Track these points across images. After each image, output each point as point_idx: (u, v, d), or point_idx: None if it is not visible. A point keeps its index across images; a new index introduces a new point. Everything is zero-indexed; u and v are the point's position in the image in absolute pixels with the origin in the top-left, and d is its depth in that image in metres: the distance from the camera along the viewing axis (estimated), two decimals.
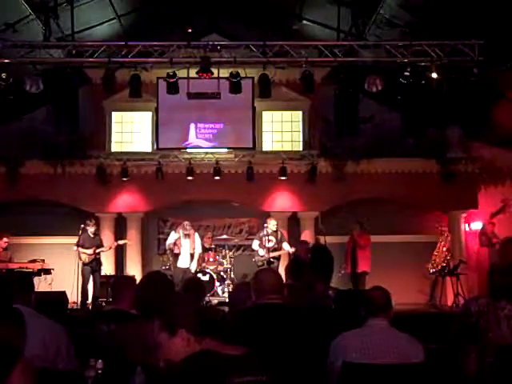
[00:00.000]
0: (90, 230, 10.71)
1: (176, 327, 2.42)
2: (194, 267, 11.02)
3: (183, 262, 10.97)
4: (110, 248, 11.31)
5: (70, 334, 3.76)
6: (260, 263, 10.60)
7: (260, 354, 2.49)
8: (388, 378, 3.43)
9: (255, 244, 10.79)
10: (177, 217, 11.45)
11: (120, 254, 12.23)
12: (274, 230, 10.64)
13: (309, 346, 3.45)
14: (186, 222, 11.07)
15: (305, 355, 3.39)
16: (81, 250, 10.57)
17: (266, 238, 10.47)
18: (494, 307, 3.83)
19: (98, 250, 10.71)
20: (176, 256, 11.05)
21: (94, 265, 10.71)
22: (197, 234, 11.26)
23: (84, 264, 10.58)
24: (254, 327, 3.43)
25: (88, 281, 10.65)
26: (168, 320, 2.44)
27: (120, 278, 7.32)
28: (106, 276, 10.82)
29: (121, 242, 11.56)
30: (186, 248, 10.95)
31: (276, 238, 10.60)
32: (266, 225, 10.67)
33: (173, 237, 11.07)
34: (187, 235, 10.94)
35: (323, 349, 3.58)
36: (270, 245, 10.48)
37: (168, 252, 11.38)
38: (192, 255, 11.02)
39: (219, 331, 2.64)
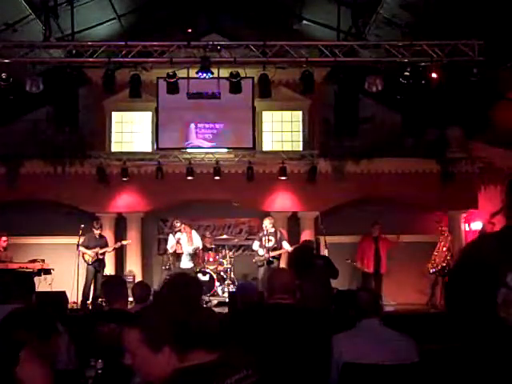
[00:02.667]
0: (96, 231, 10.79)
1: (161, 344, 2.19)
2: (191, 248, 10.97)
3: (185, 263, 10.97)
4: (114, 249, 11.38)
5: (69, 334, 3.76)
6: (260, 263, 10.62)
7: (246, 351, 2.44)
8: (384, 377, 3.43)
9: (255, 245, 10.82)
10: (177, 217, 11.43)
11: (120, 254, 12.23)
12: (272, 228, 10.63)
13: (315, 346, 3.45)
14: (175, 220, 11.09)
15: (310, 355, 3.40)
16: (84, 250, 10.63)
17: (266, 237, 10.49)
18: None
19: (101, 251, 10.77)
20: (177, 256, 11.05)
21: (97, 265, 10.77)
22: (194, 231, 11.24)
23: (87, 264, 10.67)
24: (262, 326, 3.44)
25: (91, 281, 10.71)
26: (153, 335, 2.21)
27: (109, 278, 7.32)
28: (106, 276, 10.83)
29: (124, 242, 11.61)
30: (186, 246, 10.96)
31: (275, 238, 10.61)
32: (263, 225, 10.71)
33: (172, 238, 11.08)
34: (178, 231, 10.93)
35: (327, 349, 3.59)
36: (270, 244, 10.50)
37: (169, 253, 11.37)
38: (191, 253, 11.04)
39: (224, 332, 2.54)
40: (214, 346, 2.28)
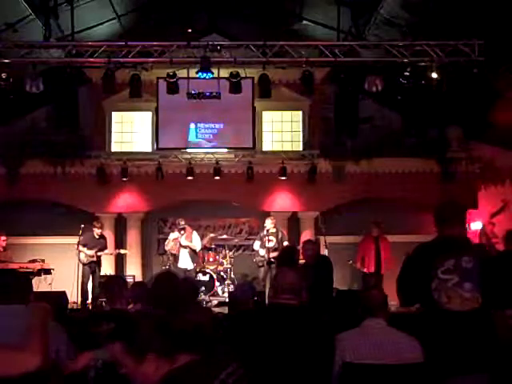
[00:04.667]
0: (97, 231, 10.77)
1: (145, 352, 2.23)
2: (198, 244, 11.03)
3: (183, 263, 10.96)
4: (111, 254, 11.38)
5: (69, 334, 3.75)
6: (260, 263, 10.58)
7: (246, 351, 2.45)
8: (387, 378, 3.43)
9: (256, 245, 10.77)
10: (177, 217, 11.43)
11: (120, 254, 12.21)
12: (273, 228, 10.61)
13: (317, 346, 3.45)
14: (179, 219, 11.07)
15: (312, 356, 3.40)
16: (82, 249, 10.62)
17: (267, 238, 10.46)
18: (503, 318, 3.81)
19: (99, 253, 10.76)
20: (176, 256, 11.04)
21: (93, 265, 10.74)
22: (195, 232, 11.24)
23: (83, 264, 10.63)
24: (263, 327, 3.44)
25: (88, 281, 10.69)
26: (134, 346, 2.25)
27: (110, 278, 7.33)
28: (105, 276, 10.82)
29: (122, 252, 11.61)
30: (185, 246, 10.94)
31: (277, 238, 10.57)
32: (265, 225, 10.70)
33: (172, 237, 11.07)
34: (182, 229, 10.91)
35: (328, 349, 3.59)
36: (271, 245, 10.45)
37: (169, 252, 11.36)
38: (191, 253, 11.02)
39: (226, 332, 2.53)
40: (201, 347, 2.29)
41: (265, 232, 10.60)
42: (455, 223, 3.66)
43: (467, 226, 12.43)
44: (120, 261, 12.30)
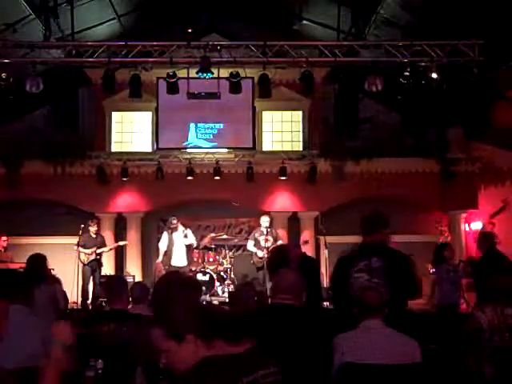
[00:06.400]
0: (92, 230, 10.77)
1: (184, 333, 2.23)
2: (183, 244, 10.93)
3: (177, 261, 10.88)
4: (111, 249, 11.36)
5: None
6: (260, 264, 10.45)
7: (266, 351, 2.44)
8: (386, 378, 3.43)
9: (250, 245, 10.60)
10: (177, 217, 11.42)
11: (120, 254, 12.23)
12: (268, 226, 10.48)
13: (317, 347, 3.44)
14: (172, 217, 11.00)
15: (312, 356, 3.39)
16: (81, 250, 10.62)
17: (264, 237, 10.33)
18: (504, 317, 3.83)
19: (98, 251, 10.76)
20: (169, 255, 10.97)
21: (94, 265, 10.75)
22: (189, 230, 11.17)
23: (83, 264, 10.64)
24: (263, 327, 3.43)
25: (88, 281, 10.70)
26: (174, 327, 2.25)
27: (110, 278, 7.33)
28: (106, 276, 10.82)
29: (121, 243, 11.59)
30: (179, 244, 10.88)
31: (272, 237, 10.49)
32: (262, 223, 10.61)
33: (165, 236, 11.01)
34: (174, 229, 10.86)
35: (326, 349, 3.58)
36: (268, 244, 10.33)
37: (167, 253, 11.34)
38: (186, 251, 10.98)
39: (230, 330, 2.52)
40: (235, 339, 2.30)
41: (264, 231, 10.46)
42: (373, 233, 4.40)
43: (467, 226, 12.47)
44: (120, 261, 12.30)
